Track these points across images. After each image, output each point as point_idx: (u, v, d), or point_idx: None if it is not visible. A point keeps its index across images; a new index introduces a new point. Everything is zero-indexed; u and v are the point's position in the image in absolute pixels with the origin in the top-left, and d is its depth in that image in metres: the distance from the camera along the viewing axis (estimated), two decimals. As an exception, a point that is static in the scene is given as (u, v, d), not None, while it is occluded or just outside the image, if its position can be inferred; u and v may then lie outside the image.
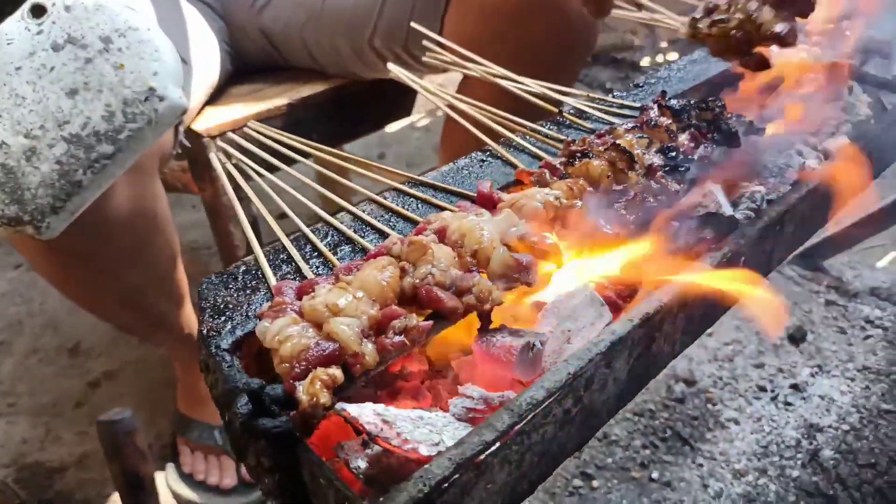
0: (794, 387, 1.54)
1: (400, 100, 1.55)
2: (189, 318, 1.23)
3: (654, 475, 1.37)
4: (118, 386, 1.61)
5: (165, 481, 1.36)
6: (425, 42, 0.98)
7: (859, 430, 1.44)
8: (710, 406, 1.51)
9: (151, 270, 1.13)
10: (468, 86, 1.16)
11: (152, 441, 1.46)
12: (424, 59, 0.98)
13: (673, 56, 2.75)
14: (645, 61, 2.73)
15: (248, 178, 0.76)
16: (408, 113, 1.63)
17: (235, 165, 0.79)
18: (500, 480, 0.47)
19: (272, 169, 0.78)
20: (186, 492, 1.34)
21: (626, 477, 1.37)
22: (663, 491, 1.34)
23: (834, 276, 1.85)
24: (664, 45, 2.63)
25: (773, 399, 1.52)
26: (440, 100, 0.86)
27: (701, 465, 1.39)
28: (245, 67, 1.44)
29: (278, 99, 1.33)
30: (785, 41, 0.81)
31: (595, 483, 1.36)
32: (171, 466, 1.38)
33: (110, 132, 0.83)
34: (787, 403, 1.51)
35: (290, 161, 0.82)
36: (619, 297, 0.60)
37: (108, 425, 1.09)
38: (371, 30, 1.27)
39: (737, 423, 1.47)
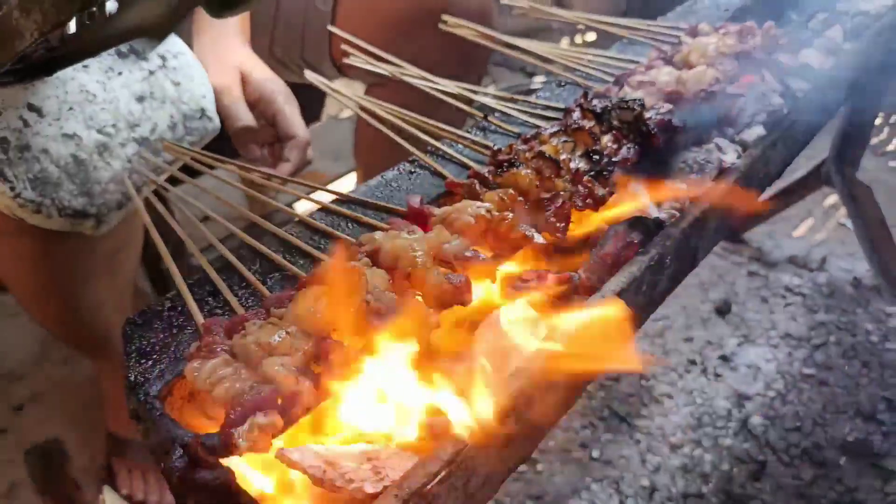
0: (723, 358, 1.61)
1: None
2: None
3: (595, 454, 1.41)
4: (45, 409, 1.54)
5: (103, 505, 1.33)
6: (343, 46, 0.96)
7: (785, 395, 1.51)
8: (644, 382, 1.56)
9: (117, 281, 1.07)
10: (381, 89, 1.15)
11: (86, 464, 1.40)
12: (346, 61, 0.96)
13: (591, 37, 2.79)
14: (564, 43, 2.75)
15: (162, 199, 0.74)
16: (316, 117, 1.61)
17: (154, 190, 0.76)
18: (448, 507, 0.47)
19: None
20: (126, 514, 1.31)
21: (568, 458, 1.41)
22: (605, 469, 1.38)
23: (755, 247, 1.93)
24: (581, 26, 2.66)
25: (704, 371, 1.58)
26: (356, 105, 0.86)
27: (639, 442, 1.43)
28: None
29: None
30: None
31: (539, 466, 1.39)
32: (107, 490, 1.34)
33: (174, 141, 0.87)
34: (717, 375, 1.57)
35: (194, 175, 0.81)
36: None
37: (37, 455, 1.04)
38: (269, 39, 1.24)
39: (670, 397, 1.53)
